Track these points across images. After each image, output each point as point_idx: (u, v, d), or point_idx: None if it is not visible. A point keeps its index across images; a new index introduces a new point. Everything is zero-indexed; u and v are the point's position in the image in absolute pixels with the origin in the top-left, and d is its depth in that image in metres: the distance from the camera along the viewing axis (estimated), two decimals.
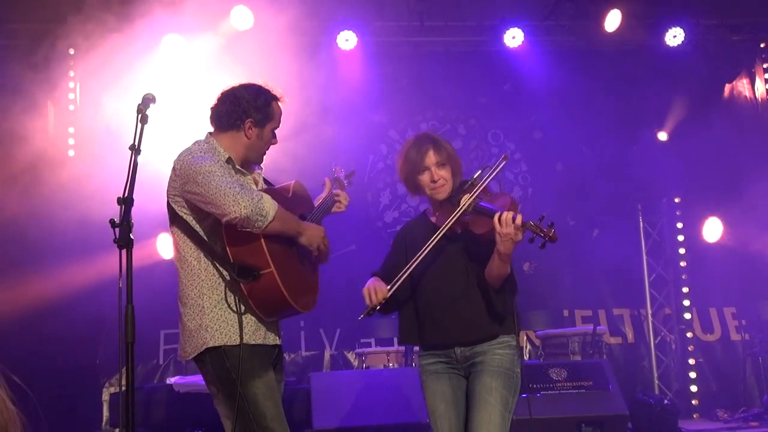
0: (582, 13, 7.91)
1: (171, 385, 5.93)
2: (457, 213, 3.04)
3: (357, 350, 7.28)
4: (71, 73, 7.72)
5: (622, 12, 7.73)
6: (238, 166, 3.04)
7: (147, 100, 2.71)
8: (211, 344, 2.88)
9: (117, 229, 2.52)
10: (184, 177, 2.87)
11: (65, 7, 7.26)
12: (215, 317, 2.90)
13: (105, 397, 7.37)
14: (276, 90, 3.14)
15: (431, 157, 3.17)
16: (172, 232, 3.02)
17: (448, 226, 3.02)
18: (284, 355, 3.27)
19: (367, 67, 8.00)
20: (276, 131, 3.16)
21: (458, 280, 3.12)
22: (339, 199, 3.39)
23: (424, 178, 3.19)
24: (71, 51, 7.66)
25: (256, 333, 2.94)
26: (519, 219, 2.84)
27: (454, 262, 3.13)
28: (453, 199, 3.15)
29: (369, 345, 7.71)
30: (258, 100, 3.05)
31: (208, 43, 7.39)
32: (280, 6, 7.61)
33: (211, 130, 3.11)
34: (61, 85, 7.67)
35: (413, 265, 3.04)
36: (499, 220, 2.86)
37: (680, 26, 7.96)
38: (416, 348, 6.33)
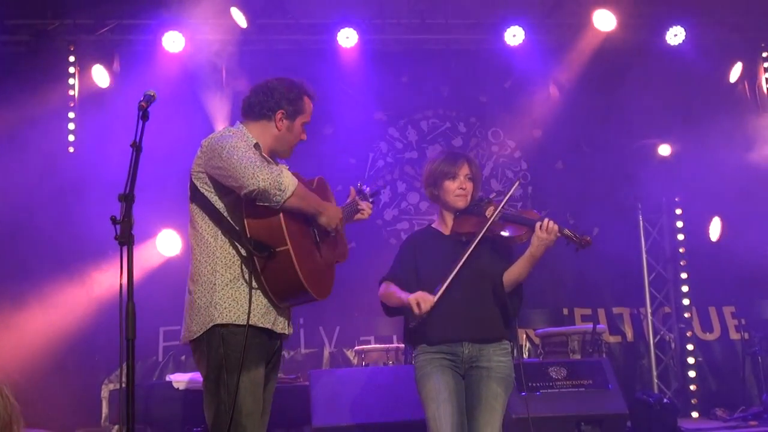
0: (583, 11, 7.90)
1: (170, 382, 5.92)
2: (493, 217, 3.39)
3: (356, 348, 7.27)
4: (71, 70, 7.71)
5: (622, 11, 7.72)
6: (264, 154, 3.04)
7: (148, 97, 2.72)
8: (218, 321, 2.88)
9: (118, 226, 2.52)
10: (210, 153, 2.92)
11: (66, 3, 7.25)
12: (225, 295, 2.91)
13: (104, 394, 7.36)
14: (309, 86, 3.20)
15: (465, 169, 3.56)
16: (190, 209, 3.04)
17: (484, 231, 3.36)
18: (283, 352, 3.26)
19: (367, 64, 7.99)
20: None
21: (474, 283, 3.41)
22: (362, 208, 3.47)
23: (452, 184, 3.53)
24: (71, 47, 7.66)
25: (265, 316, 2.94)
26: (557, 227, 3.31)
27: (471, 267, 3.38)
28: (474, 210, 3.52)
29: (368, 342, 7.69)
30: (291, 93, 3.11)
31: (209, 41, 7.38)
32: (280, 4, 7.61)
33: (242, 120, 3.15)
34: (62, 80, 7.66)
35: (456, 270, 3.32)
36: (541, 226, 3.29)
37: (681, 25, 7.96)
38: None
